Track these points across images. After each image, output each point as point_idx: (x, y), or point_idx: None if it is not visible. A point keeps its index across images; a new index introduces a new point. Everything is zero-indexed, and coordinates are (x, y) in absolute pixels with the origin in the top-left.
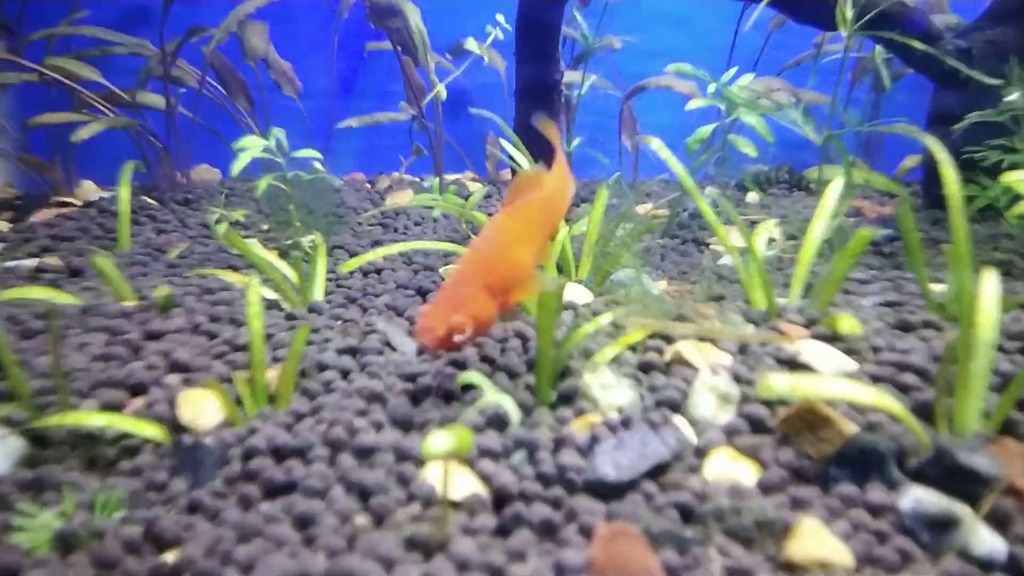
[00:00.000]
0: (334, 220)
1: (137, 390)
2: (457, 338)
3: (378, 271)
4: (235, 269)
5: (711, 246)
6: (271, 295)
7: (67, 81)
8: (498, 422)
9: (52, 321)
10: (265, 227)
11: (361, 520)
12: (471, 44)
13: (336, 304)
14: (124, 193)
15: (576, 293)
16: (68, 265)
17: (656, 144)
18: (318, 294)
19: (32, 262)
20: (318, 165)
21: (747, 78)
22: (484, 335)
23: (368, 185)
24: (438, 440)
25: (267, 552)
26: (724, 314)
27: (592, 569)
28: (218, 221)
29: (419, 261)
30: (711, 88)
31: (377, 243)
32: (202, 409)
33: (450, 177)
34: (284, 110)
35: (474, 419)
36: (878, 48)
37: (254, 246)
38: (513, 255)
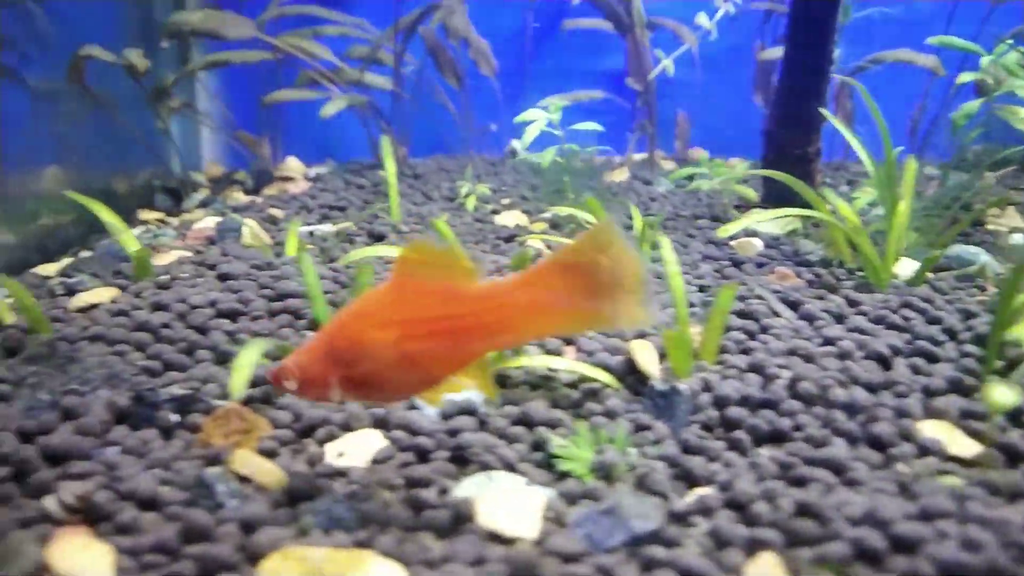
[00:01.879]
0: (606, 194)
1: (568, 339)
2: (286, 384)
3: None
4: (510, 239)
5: (988, 225)
6: None
7: (306, 59)
8: (960, 388)
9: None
10: (506, 201)
11: (902, 468)
12: (702, 19)
13: None
14: (390, 166)
15: (903, 267)
16: (371, 232)
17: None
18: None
19: (327, 226)
20: (516, 143)
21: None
22: (316, 398)
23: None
24: (1004, 393)
25: (822, 493)
26: None
27: None
28: (467, 194)
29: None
30: (985, 60)
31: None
32: (653, 358)
33: (638, 156)
34: (476, 90)
35: (933, 383)
36: None
37: (513, 216)
38: (357, 330)
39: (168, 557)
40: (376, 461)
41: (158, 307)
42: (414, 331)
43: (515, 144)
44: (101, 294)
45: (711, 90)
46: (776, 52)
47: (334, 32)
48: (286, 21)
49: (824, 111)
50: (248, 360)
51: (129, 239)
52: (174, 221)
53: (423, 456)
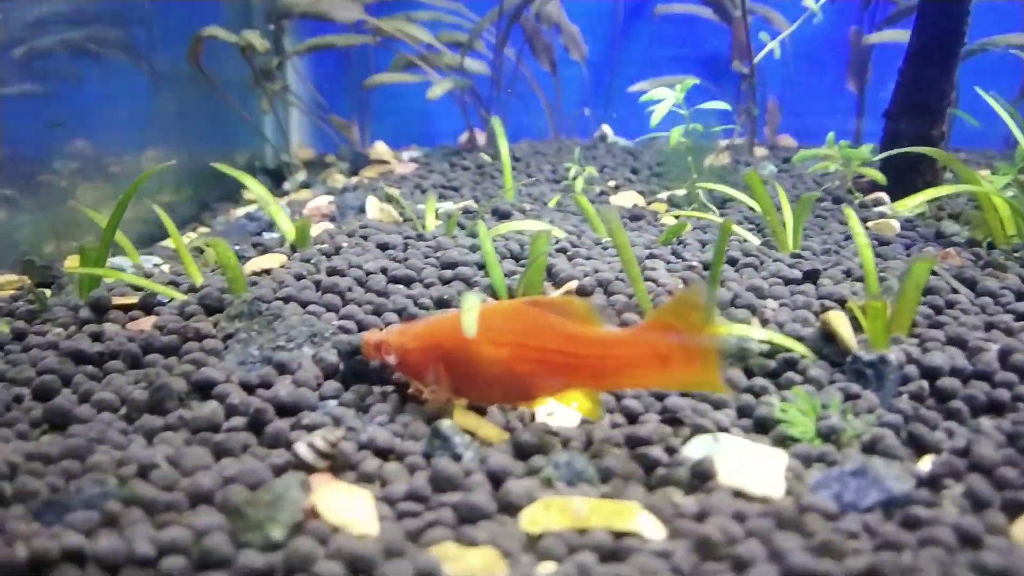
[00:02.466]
0: (721, 175)
1: (753, 309)
2: (387, 357)
3: None
4: (635, 218)
5: None
6: (748, 235)
7: (411, 43)
8: None
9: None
10: (612, 183)
11: None
12: (808, 1)
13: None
14: (504, 146)
15: None
16: (494, 210)
17: None
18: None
19: (447, 205)
20: (607, 128)
21: None
22: (411, 376)
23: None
24: None
25: None
26: None
27: None
28: (575, 176)
29: None
30: None
31: None
32: (850, 329)
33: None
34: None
35: None
36: None
37: (630, 196)
38: (474, 339)
39: (422, 505)
40: (586, 422)
41: (334, 272)
42: (525, 355)
43: (605, 129)
44: (271, 260)
45: (801, 76)
46: (883, 36)
47: (427, 17)
48: (375, 4)
49: (983, 91)
50: (474, 302)
51: (277, 211)
52: (281, 201)
53: (632, 418)
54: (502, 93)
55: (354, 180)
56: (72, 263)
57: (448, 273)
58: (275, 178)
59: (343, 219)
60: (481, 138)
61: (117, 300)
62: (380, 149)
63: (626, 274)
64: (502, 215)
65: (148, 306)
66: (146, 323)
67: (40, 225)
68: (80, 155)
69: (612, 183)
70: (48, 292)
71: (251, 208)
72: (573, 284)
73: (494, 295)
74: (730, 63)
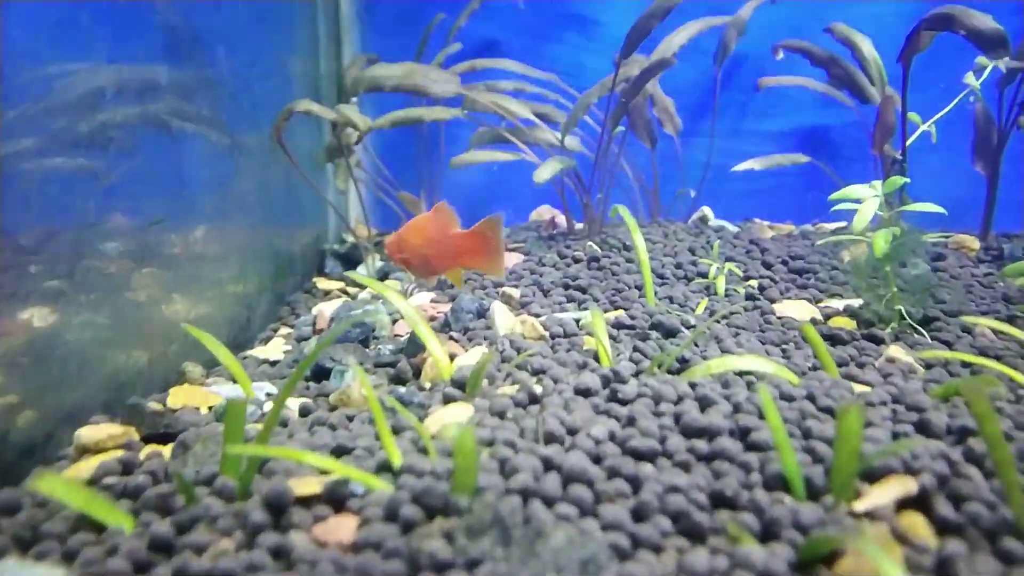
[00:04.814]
0: (934, 283)
1: None
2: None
3: None
4: (835, 340)
5: None
6: None
7: (509, 118)
8: None
9: None
10: (752, 282)
11: None
12: (970, 79)
13: None
14: (639, 241)
15: None
16: (656, 324)
17: None
18: None
19: (585, 313)
20: (707, 210)
21: None
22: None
23: (775, 231)
24: None
25: None
26: None
27: None
28: (716, 275)
29: None
30: None
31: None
32: None
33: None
34: (643, 152)
35: None
36: None
37: (798, 306)
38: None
39: None
40: None
41: (552, 439)
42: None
43: (705, 210)
44: (452, 414)
45: (918, 157)
46: None
47: (509, 86)
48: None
49: None
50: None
51: (429, 335)
52: (362, 292)
53: None
54: (597, 174)
55: None
56: (176, 397)
57: (702, 446)
58: (346, 262)
59: (459, 327)
60: (562, 217)
61: (297, 489)
62: None
63: (1001, 481)
64: (667, 331)
65: (338, 500)
66: (339, 528)
67: (119, 336)
68: (133, 235)
69: (752, 282)
70: (166, 452)
71: (335, 302)
72: (909, 488)
73: (787, 488)
74: (887, 146)
